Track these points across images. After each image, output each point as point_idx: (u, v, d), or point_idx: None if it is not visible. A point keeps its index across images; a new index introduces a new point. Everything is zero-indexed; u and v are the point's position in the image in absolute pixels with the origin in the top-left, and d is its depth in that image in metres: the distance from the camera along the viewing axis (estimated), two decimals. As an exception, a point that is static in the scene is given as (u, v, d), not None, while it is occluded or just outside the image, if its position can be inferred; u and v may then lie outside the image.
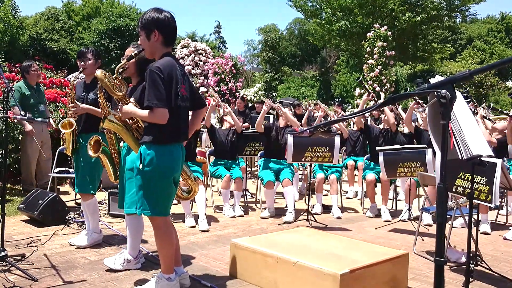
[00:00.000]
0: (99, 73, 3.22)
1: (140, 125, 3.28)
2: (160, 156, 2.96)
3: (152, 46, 3.02)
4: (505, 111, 6.71)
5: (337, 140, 5.58)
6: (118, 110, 3.23)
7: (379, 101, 5.34)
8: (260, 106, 12.36)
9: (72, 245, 4.27)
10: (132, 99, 3.20)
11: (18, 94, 6.02)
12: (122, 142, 3.85)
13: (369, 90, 6.77)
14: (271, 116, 10.65)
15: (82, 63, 4.21)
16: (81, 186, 4.26)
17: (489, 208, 5.34)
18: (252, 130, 8.48)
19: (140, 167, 2.96)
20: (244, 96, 16.54)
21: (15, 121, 6.12)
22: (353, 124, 8.13)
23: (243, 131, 6.62)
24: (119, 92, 3.20)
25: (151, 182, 2.98)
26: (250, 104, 15.19)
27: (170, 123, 2.92)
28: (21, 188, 6.70)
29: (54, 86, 8.74)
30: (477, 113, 6.48)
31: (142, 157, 2.97)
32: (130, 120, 3.26)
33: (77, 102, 4.13)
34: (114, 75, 3.27)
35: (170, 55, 3.05)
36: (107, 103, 3.50)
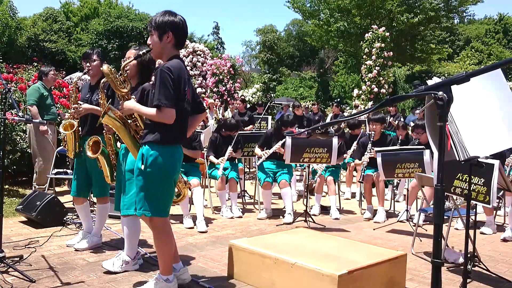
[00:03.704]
0: (105, 67, 3.22)
1: (138, 124, 3.30)
2: (163, 157, 2.98)
3: (163, 47, 3.05)
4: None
5: (335, 141, 5.59)
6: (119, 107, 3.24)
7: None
8: (261, 108, 12.36)
9: (69, 246, 4.27)
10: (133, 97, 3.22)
11: (38, 94, 6.18)
12: (120, 143, 3.86)
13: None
14: (269, 117, 10.68)
15: (88, 64, 4.19)
16: (101, 190, 4.26)
17: (493, 210, 5.37)
18: (250, 131, 8.50)
19: (142, 168, 2.97)
20: (243, 96, 16.53)
21: (14, 122, 6.13)
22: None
23: (240, 132, 6.62)
24: (123, 89, 3.21)
25: (153, 183, 2.99)
26: (248, 105, 15.19)
27: (176, 124, 2.96)
28: (19, 189, 6.69)
29: (52, 87, 8.72)
30: None
31: (144, 157, 2.98)
32: (129, 119, 3.28)
33: (80, 102, 4.13)
34: (120, 72, 3.29)
35: (178, 58, 3.09)
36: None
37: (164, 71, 2.91)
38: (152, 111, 2.94)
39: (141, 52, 3.21)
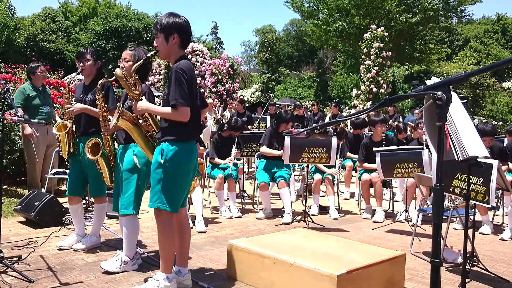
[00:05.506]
0: (118, 71, 3.27)
1: (149, 123, 3.37)
2: (182, 153, 3.08)
3: (170, 49, 3.14)
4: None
5: (334, 141, 5.59)
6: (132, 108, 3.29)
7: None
8: (272, 108, 12.39)
9: (59, 247, 4.22)
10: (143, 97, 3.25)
11: (23, 96, 6.00)
12: (117, 144, 3.86)
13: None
14: (268, 117, 10.67)
15: (81, 64, 4.15)
16: (97, 190, 4.24)
17: (488, 209, 5.38)
18: (249, 132, 8.49)
19: (162, 162, 3.04)
20: (241, 96, 16.52)
21: (12, 122, 6.10)
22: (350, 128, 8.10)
23: (241, 133, 6.63)
24: (135, 91, 3.24)
25: (171, 177, 3.07)
26: (247, 105, 15.18)
27: (191, 121, 3.07)
28: (17, 190, 6.68)
29: (51, 87, 8.70)
30: None
31: (164, 152, 3.05)
32: (141, 119, 3.35)
33: (73, 103, 4.11)
34: (130, 75, 3.32)
35: (186, 58, 3.17)
36: (117, 103, 3.53)
37: (178, 72, 3.01)
38: (167, 110, 3.03)
39: (149, 55, 3.25)
